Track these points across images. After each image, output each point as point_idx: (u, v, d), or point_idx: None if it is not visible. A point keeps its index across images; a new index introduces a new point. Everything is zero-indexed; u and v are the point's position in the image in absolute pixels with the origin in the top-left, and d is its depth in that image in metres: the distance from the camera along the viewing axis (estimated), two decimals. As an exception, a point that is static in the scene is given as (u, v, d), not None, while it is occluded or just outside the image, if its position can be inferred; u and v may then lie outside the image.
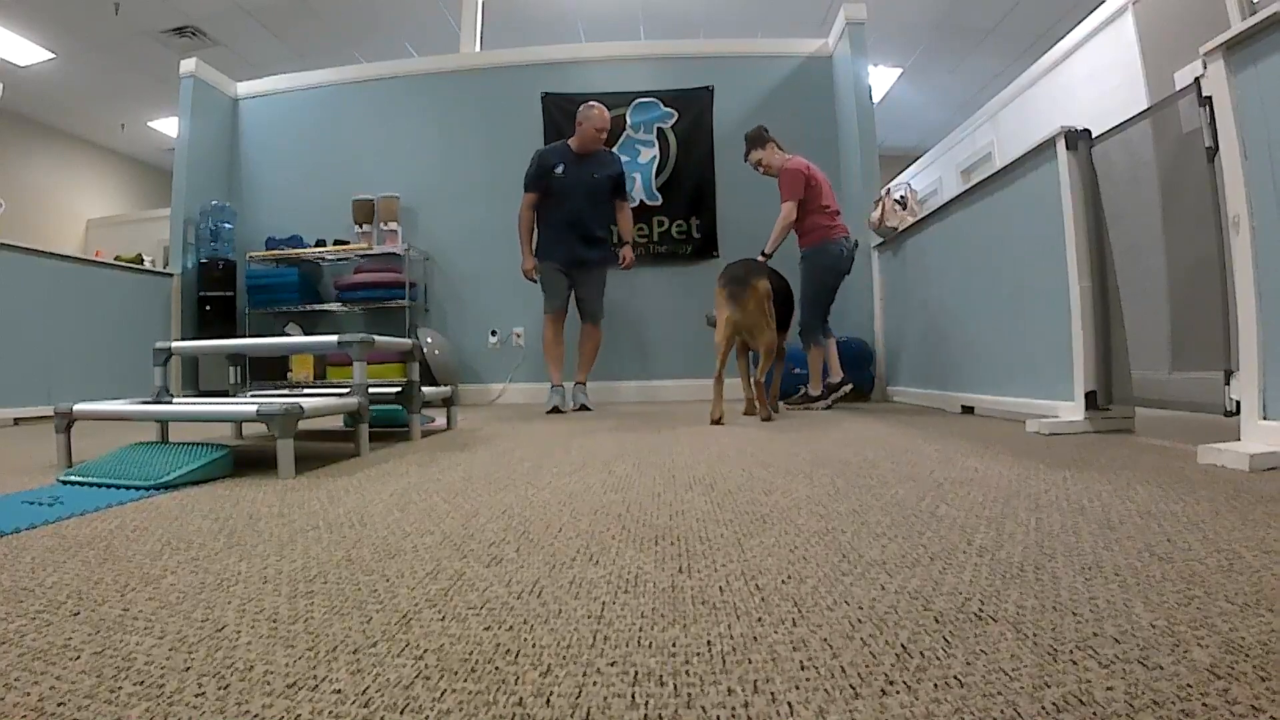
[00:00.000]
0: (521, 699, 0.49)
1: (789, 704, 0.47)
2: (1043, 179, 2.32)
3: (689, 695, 0.49)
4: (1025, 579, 0.71)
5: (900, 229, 3.57)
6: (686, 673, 0.53)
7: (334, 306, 4.56)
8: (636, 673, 0.53)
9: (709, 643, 0.58)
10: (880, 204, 3.68)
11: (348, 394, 1.96)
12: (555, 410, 3.48)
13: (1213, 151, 1.63)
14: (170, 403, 1.99)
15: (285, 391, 3.19)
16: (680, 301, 4.46)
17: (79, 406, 1.75)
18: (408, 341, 2.42)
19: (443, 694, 0.50)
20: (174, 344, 2.17)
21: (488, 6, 5.40)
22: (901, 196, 3.67)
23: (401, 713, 0.47)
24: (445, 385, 2.88)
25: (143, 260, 4.64)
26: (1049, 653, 0.53)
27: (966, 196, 2.90)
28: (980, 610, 0.63)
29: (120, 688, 0.51)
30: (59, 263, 3.67)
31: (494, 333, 4.68)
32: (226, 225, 4.62)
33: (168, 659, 0.57)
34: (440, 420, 2.81)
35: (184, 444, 1.68)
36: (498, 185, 4.70)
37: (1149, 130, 1.98)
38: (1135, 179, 2.05)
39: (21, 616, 0.67)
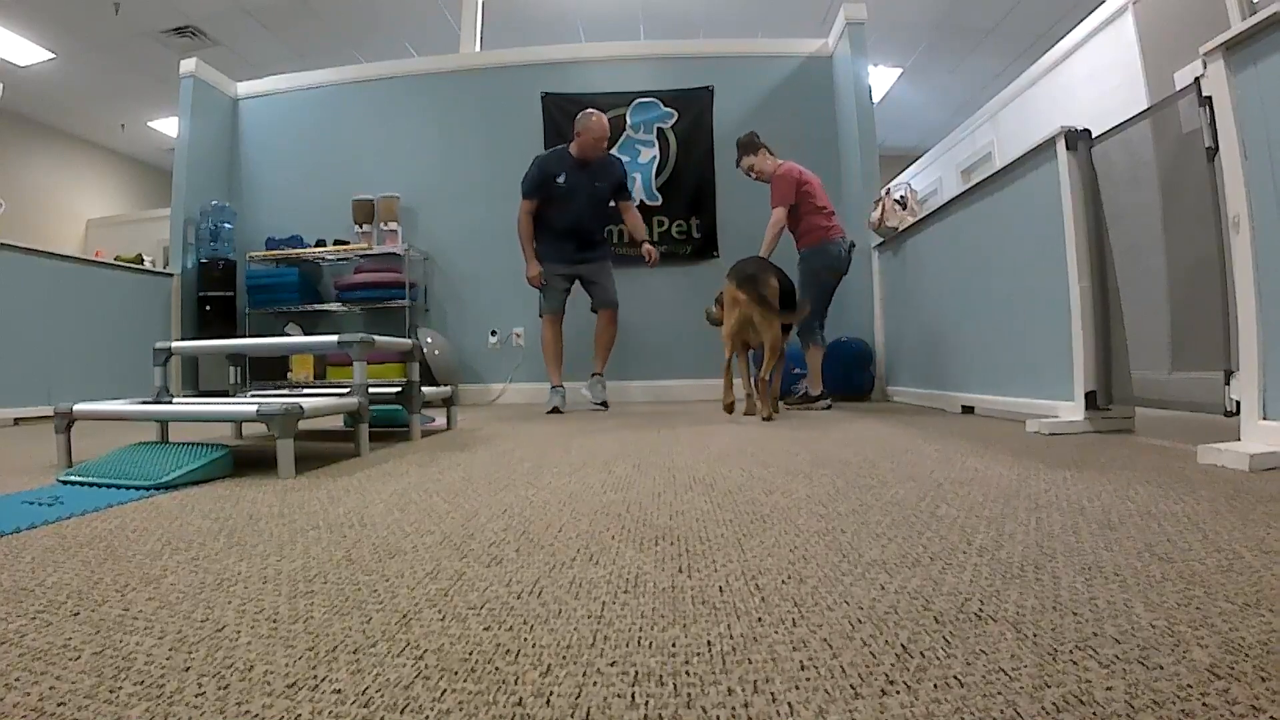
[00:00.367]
0: (521, 699, 0.49)
1: (789, 704, 0.47)
2: (1043, 179, 2.32)
3: (689, 695, 0.49)
4: (1025, 579, 0.71)
5: (900, 229, 3.57)
6: (686, 673, 0.53)
7: (334, 306, 4.56)
8: (636, 673, 0.53)
9: (709, 643, 0.58)
10: (880, 204, 3.68)
11: (348, 394, 1.96)
12: (555, 410, 3.48)
13: (1213, 151, 1.63)
14: (170, 403, 1.99)
15: (285, 391, 3.19)
16: (681, 301, 4.45)
17: (79, 406, 1.75)
18: (408, 341, 2.42)
19: (443, 694, 0.50)
20: (174, 344, 2.17)
21: (488, 6, 5.40)
22: (901, 196, 3.67)
23: (401, 713, 0.47)
24: (445, 385, 2.88)
25: (143, 260, 4.64)
26: (1049, 653, 0.53)
27: (966, 196, 2.90)
28: (980, 610, 0.63)
29: (120, 688, 0.51)
30: (59, 263, 3.67)
31: (494, 333, 4.68)
32: (226, 225, 4.62)
33: (168, 659, 0.57)
34: (440, 420, 2.81)
35: (184, 444, 1.68)
36: (498, 185, 4.69)
37: (1149, 130, 1.98)
38: (1135, 179, 2.05)
39: (21, 616, 0.67)
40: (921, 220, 3.39)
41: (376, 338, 2.05)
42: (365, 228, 4.57)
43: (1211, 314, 1.70)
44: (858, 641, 0.57)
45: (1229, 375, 1.63)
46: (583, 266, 3.62)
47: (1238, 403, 1.55)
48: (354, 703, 0.49)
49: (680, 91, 4.70)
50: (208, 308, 4.50)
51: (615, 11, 5.85)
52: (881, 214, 3.66)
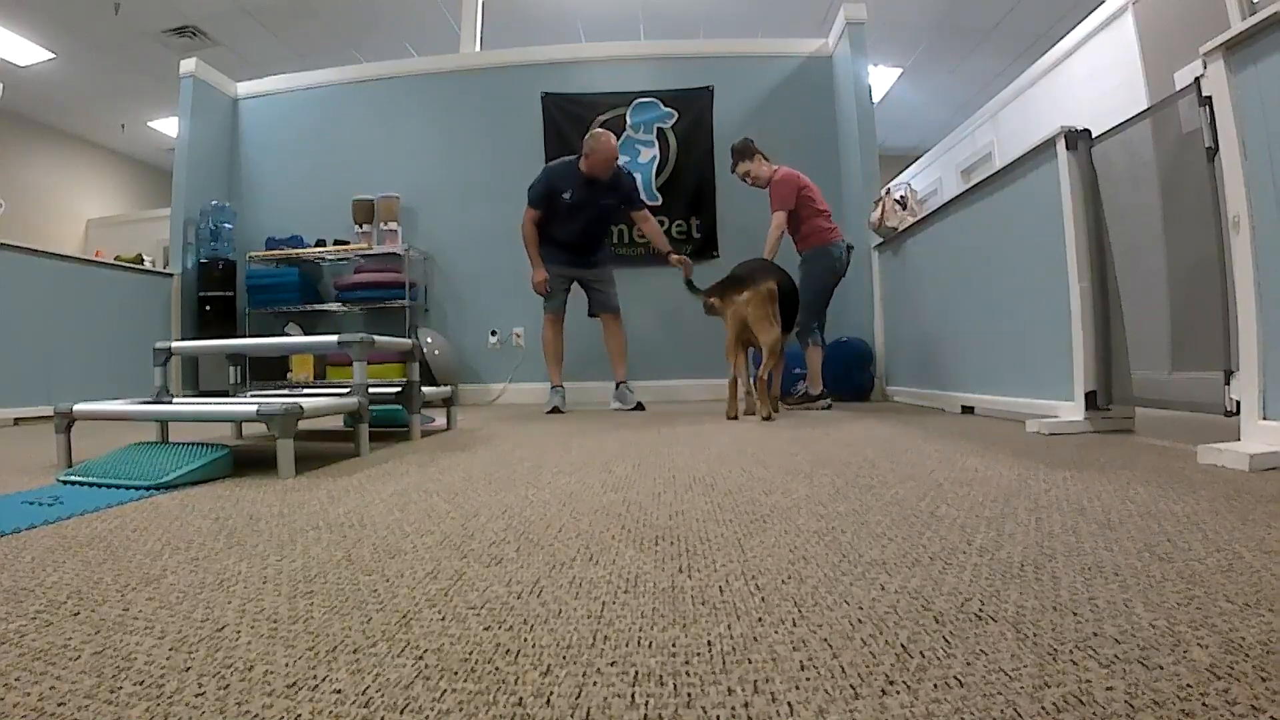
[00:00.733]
0: (521, 699, 0.49)
1: (789, 704, 0.47)
2: (1043, 179, 2.32)
3: (689, 695, 0.49)
4: (1025, 579, 0.71)
5: (900, 229, 3.58)
6: (686, 673, 0.53)
7: (334, 306, 4.56)
8: (636, 673, 0.53)
9: (709, 643, 0.58)
10: (880, 204, 3.69)
11: (348, 394, 1.96)
12: (555, 410, 3.48)
13: (1213, 151, 1.63)
14: (170, 403, 1.99)
15: (285, 391, 3.19)
16: (680, 302, 4.44)
17: (79, 406, 1.75)
18: (408, 341, 2.42)
19: (443, 694, 0.50)
20: (174, 344, 2.17)
21: (488, 6, 5.40)
22: (901, 196, 3.67)
23: (401, 713, 0.47)
24: (445, 385, 2.88)
25: (143, 260, 4.64)
26: (1049, 653, 0.53)
27: (966, 196, 2.90)
28: (980, 610, 0.63)
29: (120, 688, 0.51)
30: (59, 263, 3.67)
31: (494, 333, 4.68)
32: (226, 225, 4.62)
33: (168, 659, 0.57)
34: (440, 420, 2.81)
35: (184, 444, 1.68)
36: (498, 185, 4.70)
37: (1149, 130, 1.98)
38: (1135, 179, 2.05)
39: (21, 616, 0.67)
40: (921, 220, 3.39)
41: (376, 338, 2.05)
42: (365, 228, 4.57)
43: (1211, 314, 1.70)
44: (858, 641, 0.57)
45: (1229, 375, 1.63)
46: (583, 270, 3.62)
47: (1238, 403, 1.55)
48: (354, 703, 0.49)
49: (680, 91, 4.70)
50: (208, 308, 4.50)
51: (615, 11, 5.85)
52: (881, 214, 3.66)
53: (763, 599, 0.68)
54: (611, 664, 0.55)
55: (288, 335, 4.37)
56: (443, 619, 0.65)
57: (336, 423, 2.61)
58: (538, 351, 3.94)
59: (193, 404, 1.99)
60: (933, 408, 3.23)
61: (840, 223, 3.66)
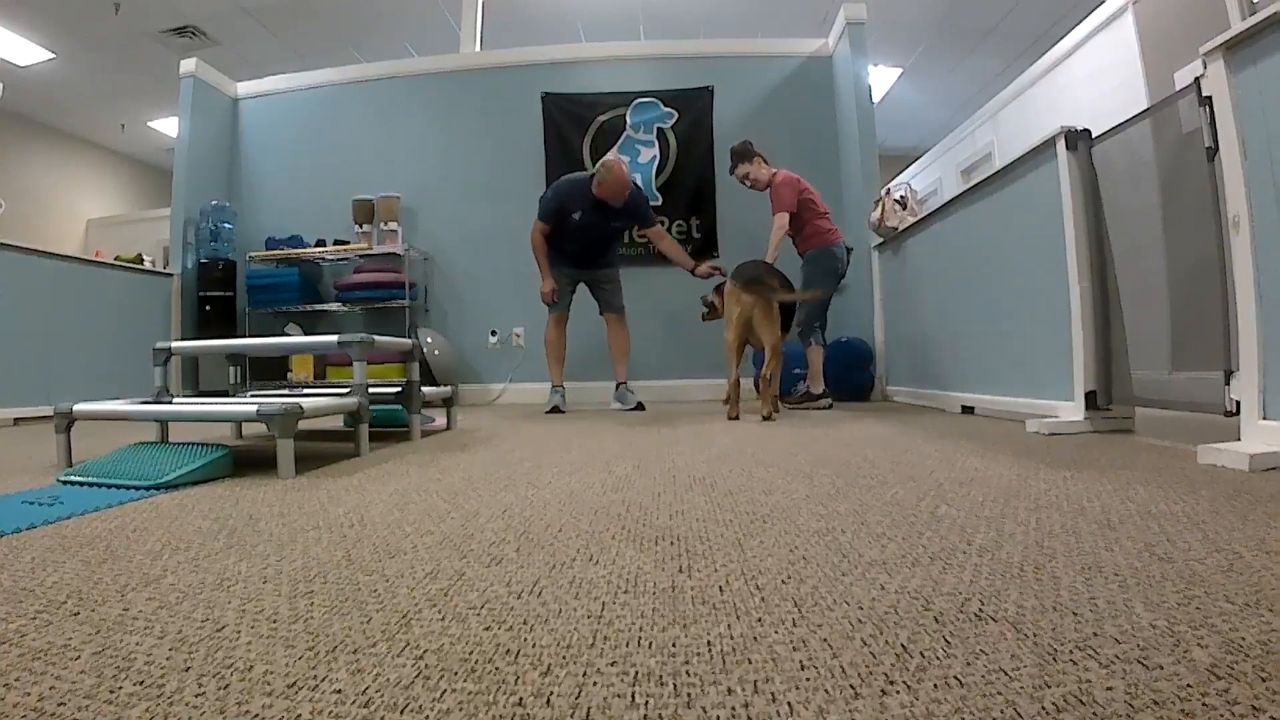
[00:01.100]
0: (521, 699, 0.49)
1: (789, 704, 0.47)
2: (1043, 179, 2.32)
3: (689, 695, 0.49)
4: (1025, 579, 0.71)
5: (900, 229, 3.58)
6: (686, 673, 0.53)
7: (334, 306, 4.56)
8: (636, 673, 0.53)
9: (709, 643, 0.58)
10: (880, 204, 3.69)
11: (348, 394, 1.96)
12: (555, 410, 3.48)
13: (1213, 151, 1.63)
14: (170, 403, 1.99)
15: (285, 391, 3.19)
16: (681, 301, 4.45)
17: (79, 406, 1.75)
18: (408, 341, 2.42)
19: (443, 694, 0.50)
20: (174, 344, 2.17)
21: (488, 6, 5.40)
22: (901, 196, 3.67)
23: (401, 713, 0.47)
24: (445, 385, 2.88)
25: (143, 260, 4.64)
26: (1049, 653, 0.53)
27: (966, 196, 2.90)
28: (980, 610, 0.63)
29: (120, 688, 0.51)
30: (59, 263, 3.67)
31: (494, 333, 4.68)
32: (226, 225, 4.62)
33: (168, 659, 0.57)
34: (440, 420, 2.81)
35: (184, 444, 1.68)
36: (498, 185, 4.70)
37: (1149, 130, 1.98)
38: (1135, 179, 2.05)
39: (21, 616, 0.67)
40: (921, 220, 3.39)
41: (376, 338, 2.05)
42: (365, 228, 4.57)
43: (1211, 314, 1.70)
44: (858, 641, 0.57)
45: (1229, 375, 1.63)
46: (591, 272, 3.63)
47: (1238, 403, 1.55)
48: (354, 703, 0.49)
49: (680, 91, 4.70)
50: (208, 308, 4.50)
51: (615, 11, 5.85)
52: (881, 214, 3.66)
53: (763, 599, 0.68)
54: (611, 664, 0.55)
55: (288, 335, 4.37)
56: (443, 619, 0.65)
57: (336, 423, 2.61)
58: (538, 351, 3.94)
59: (193, 404, 1.99)
60: (933, 408, 3.23)
61: (840, 223, 3.67)
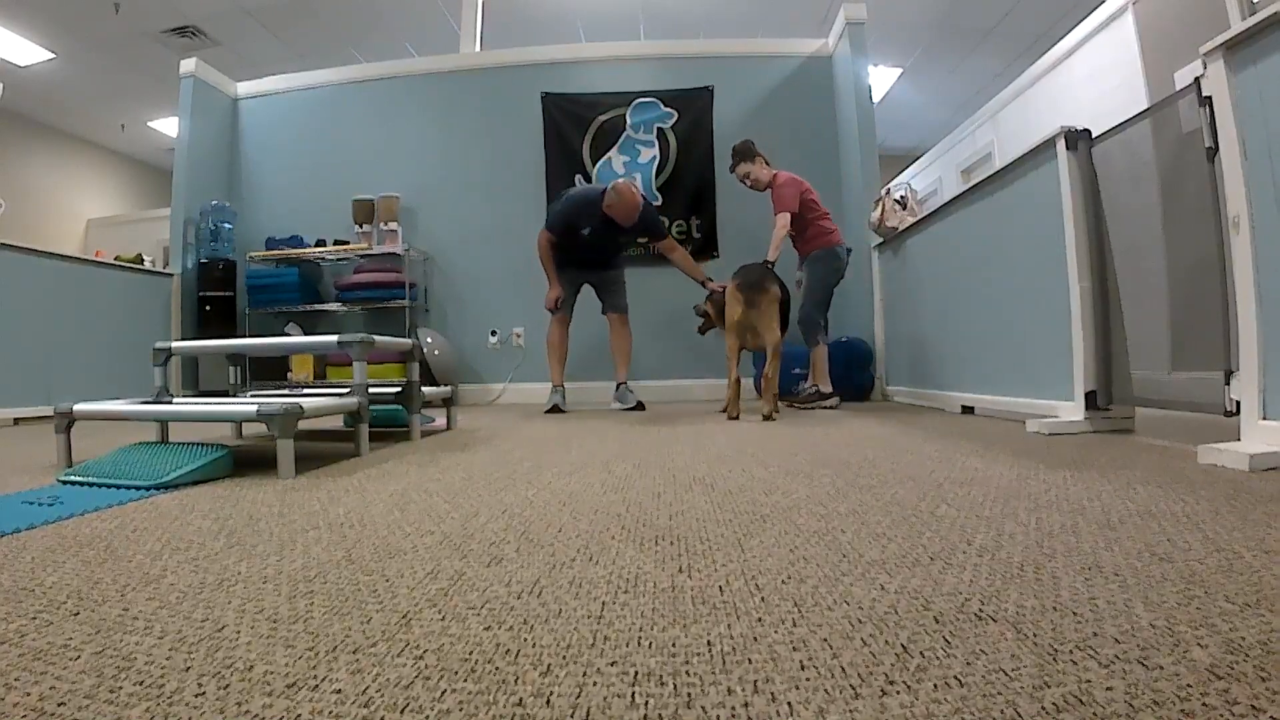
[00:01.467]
0: (521, 699, 0.49)
1: (789, 704, 0.47)
2: (1043, 179, 2.32)
3: (689, 695, 0.49)
4: (1025, 579, 0.71)
5: (900, 229, 3.58)
6: (686, 673, 0.53)
7: (334, 306, 4.56)
8: (636, 673, 0.53)
9: (709, 643, 0.58)
10: (880, 204, 3.69)
11: (348, 394, 1.96)
12: (555, 409, 3.48)
13: (1213, 151, 1.63)
14: (170, 403, 1.99)
15: (285, 391, 3.19)
16: (680, 302, 4.44)
17: (79, 406, 1.75)
18: (408, 341, 2.42)
19: (443, 694, 0.50)
20: (174, 344, 2.17)
21: (488, 6, 5.40)
22: (901, 196, 3.67)
23: (401, 713, 0.47)
24: (445, 385, 2.88)
25: (143, 260, 4.64)
26: (1049, 653, 0.53)
27: (966, 196, 2.90)
28: (980, 610, 0.63)
29: (120, 688, 0.51)
30: (59, 263, 3.67)
31: (494, 333, 4.68)
32: (226, 225, 4.62)
33: (168, 659, 0.57)
34: (440, 420, 2.81)
35: (184, 444, 1.68)
36: (498, 185, 4.70)
37: (1149, 130, 1.98)
38: (1135, 179, 2.05)
39: (21, 616, 0.67)
40: (921, 220, 3.39)
41: (376, 338, 2.05)
42: (365, 228, 4.57)
43: (1211, 314, 1.70)
44: (858, 641, 0.57)
45: (1229, 375, 1.63)
46: (596, 273, 3.64)
47: (1238, 403, 1.55)
48: (354, 703, 0.49)
49: (680, 91, 4.70)
50: (208, 308, 4.50)
51: (615, 11, 5.85)
52: (881, 214, 3.66)
53: (763, 599, 0.68)
54: (611, 664, 0.55)
55: (288, 335, 4.37)
56: (443, 619, 0.65)
57: (336, 423, 2.61)
58: (538, 351, 3.94)
59: (193, 404, 1.99)
60: (932, 408, 3.23)
61: (840, 223, 3.67)
